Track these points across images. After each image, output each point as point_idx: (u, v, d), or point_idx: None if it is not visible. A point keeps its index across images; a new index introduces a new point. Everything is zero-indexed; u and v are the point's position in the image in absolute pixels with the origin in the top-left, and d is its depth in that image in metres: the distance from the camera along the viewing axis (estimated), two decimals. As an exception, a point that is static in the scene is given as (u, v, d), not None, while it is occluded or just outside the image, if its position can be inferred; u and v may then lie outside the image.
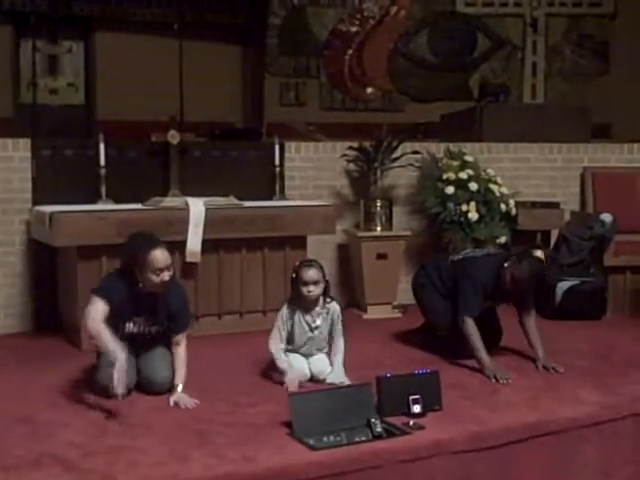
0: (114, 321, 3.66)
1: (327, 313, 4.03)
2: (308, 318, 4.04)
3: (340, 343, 4.03)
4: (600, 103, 8.89)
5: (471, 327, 4.17)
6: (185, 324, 3.88)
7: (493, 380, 4.02)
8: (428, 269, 4.68)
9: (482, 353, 4.15)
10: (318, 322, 4.04)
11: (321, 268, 4.01)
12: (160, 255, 3.66)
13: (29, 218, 5.12)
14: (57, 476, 2.88)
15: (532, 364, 4.29)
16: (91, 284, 4.42)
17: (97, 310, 3.58)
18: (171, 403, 3.64)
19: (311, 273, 3.97)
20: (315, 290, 3.97)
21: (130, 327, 3.80)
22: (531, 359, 4.34)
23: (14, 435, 3.28)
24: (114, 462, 2.99)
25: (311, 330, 4.05)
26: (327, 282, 4.04)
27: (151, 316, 3.81)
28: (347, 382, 3.86)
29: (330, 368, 3.99)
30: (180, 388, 3.70)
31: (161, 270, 3.65)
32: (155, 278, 3.66)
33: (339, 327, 4.03)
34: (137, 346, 3.81)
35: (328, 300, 4.03)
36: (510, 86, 9.59)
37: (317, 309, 4.03)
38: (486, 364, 4.12)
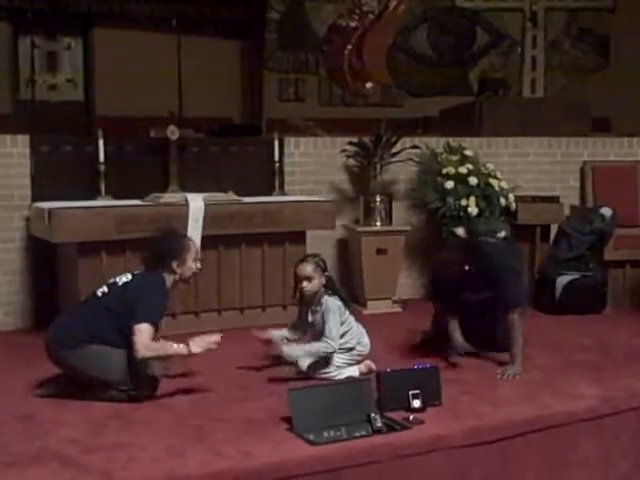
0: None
1: (321, 309, 4.00)
2: (310, 313, 4.04)
3: (323, 342, 3.90)
4: (600, 97, 8.87)
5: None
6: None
7: (510, 377, 3.97)
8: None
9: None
10: (311, 318, 4.04)
11: (318, 264, 4.01)
12: (195, 244, 3.98)
13: (28, 214, 5.11)
14: (56, 472, 2.88)
15: (530, 360, 4.26)
16: (91, 280, 4.45)
17: (149, 337, 3.58)
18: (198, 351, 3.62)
19: (301, 269, 3.99)
20: (307, 286, 3.97)
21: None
22: (529, 355, 4.30)
23: (13, 432, 3.29)
24: (113, 458, 2.99)
25: (311, 325, 4.05)
26: (328, 277, 4.02)
27: None
28: (290, 354, 3.87)
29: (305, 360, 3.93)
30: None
31: (199, 258, 3.89)
32: (195, 266, 3.87)
33: (328, 325, 3.92)
34: None
35: (325, 296, 4.00)
36: (509, 81, 9.58)
37: (315, 304, 4.02)
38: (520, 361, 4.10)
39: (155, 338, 3.66)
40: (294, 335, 4.18)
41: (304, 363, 3.90)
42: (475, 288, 4.24)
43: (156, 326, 3.66)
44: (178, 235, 4.04)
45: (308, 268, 3.99)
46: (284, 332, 4.19)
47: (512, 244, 4.39)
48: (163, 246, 3.84)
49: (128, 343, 3.59)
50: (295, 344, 4.06)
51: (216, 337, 3.67)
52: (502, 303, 4.18)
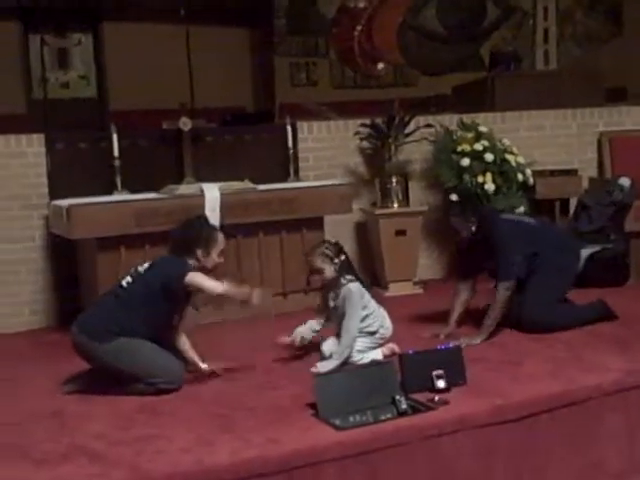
0: (171, 309, 3.75)
1: (341, 294, 3.97)
2: (330, 299, 4.04)
3: (346, 327, 3.89)
4: (614, 67, 8.76)
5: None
6: None
7: (463, 345, 3.98)
8: None
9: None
10: (332, 303, 4.03)
11: (324, 254, 3.96)
12: (223, 238, 3.90)
13: (47, 213, 5.14)
14: (86, 467, 2.91)
15: (554, 335, 4.26)
16: (111, 275, 4.49)
17: (204, 277, 3.66)
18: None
19: (309, 263, 4.01)
20: (319, 278, 3.98)
21: (176, 319, 3.83)
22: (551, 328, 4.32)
23: (43, 429, 3.33)
24: (141, 451, 3.02)
25: (333, 309, 4.04)
26: (342, 261, 3.98)
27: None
28: (327, 370, 3.77)
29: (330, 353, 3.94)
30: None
31: (223, 252, 3.85)
32: (218, 259, 3.84)
33: (348, 310, 3.90)
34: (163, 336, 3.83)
35: (343, 282, 3.96)
36: (521, 53, 9.49)
37: (334, 290, 4.01)
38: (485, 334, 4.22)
39: (183, 328, 3.76)
40: (321, 323, 4.11)
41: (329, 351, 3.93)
42: (485, 255, 4.32)
43: (182, 310, 3.69)
44: (208, 224, 4.03)
45: (315, 261, 3.96)
46: (311, 324, 4.10)
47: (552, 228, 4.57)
48: (191, 231, 3.84)
49: (156, 331, 3.63)
50: (326, 345, 4.03)
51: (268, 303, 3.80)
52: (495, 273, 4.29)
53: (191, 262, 3.78)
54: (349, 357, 3.90)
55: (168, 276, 3.67)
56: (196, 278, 3.67)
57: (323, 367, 3.79)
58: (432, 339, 4.28)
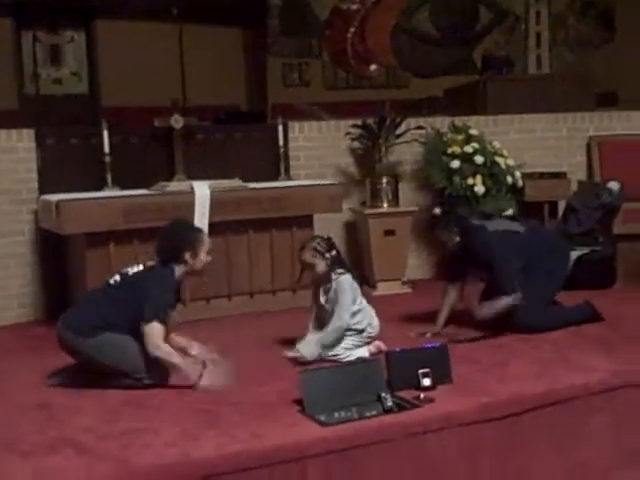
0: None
1: (333, 287, 4.00)
2: (321, 293, 4.06)
3: (338, 314, 3.93)
4: (606, 72, 8.82)
5: None
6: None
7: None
8: None
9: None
10: (322, 298, 4.05)
11: (315, 249, 3.98)
12: (207, 237, 3.95)
13: (37, 207, 5.14)
14: (72, 459, 2.91)
15: (540, 335, 4.30)
16: (99, 270, 4.49)
17: (159, 336, 3.60)
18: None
19: (301, 258, 4.02)
20: (311, 272, 3.99)
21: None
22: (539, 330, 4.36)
23: (29, 421, 3.33)
24: (128, 444, 3.03)
25: (323, 306, 4.06)
26: (333, 256, 4.00)
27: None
28: (309, 356, 3.85)
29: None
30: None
31: (210, 250, 3.87)
32: (206, 258, 3.85)
33: (340, 301, 3.94)
34: None
35: (334, 276, 3.99)
36: (514, 58, 9.54)
37: (326, 284, 4.03)
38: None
39: (169, 330, 3.71)
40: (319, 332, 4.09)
41: (314, 354, 3.94)
42: (474, 265, 4.38)
43: (164, 322, 3.67)
44: (191, 227, 4.06)
45: (306, 256, 3.99)
46: (310, 336, 4.07)
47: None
48: (177, 237, 3.85)
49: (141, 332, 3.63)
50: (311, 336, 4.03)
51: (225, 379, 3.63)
52: (498, 289, 4.30)
53: (181, 268, 3.79)
54: (333, 346, 3.91)
55: (141, 307, 3.62)
56: (149, 334, 3.58)
57: (303, 348, 3.84)
58: (418, 338, 4.31)
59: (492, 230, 4.52)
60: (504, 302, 4.26)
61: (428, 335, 4.36)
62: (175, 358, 3.61)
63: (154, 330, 3.59)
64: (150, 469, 2.84)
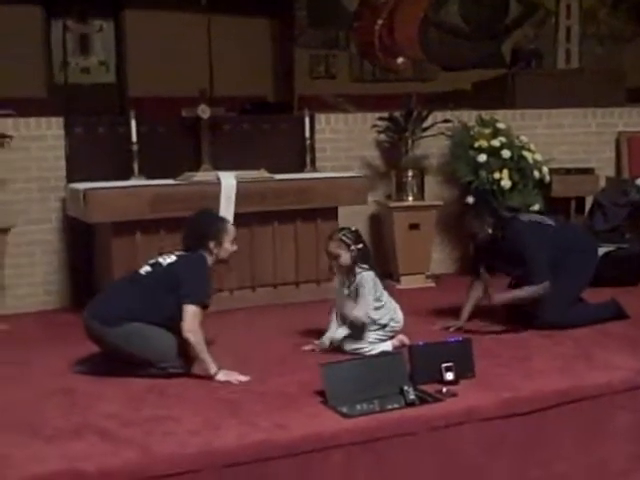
0: None
1: (355, 282, 4.00)
2: (344, 288, 4.06)
3: (358, 310, 3.94)
4: (637, 66, 8.71)
5: None
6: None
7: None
8: None
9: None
10: (346, 291, 4.05)
11: (342, 240, 3.99)
12: (232, 227, 3.98)
13: (64, 195, 5.19)
14: (96, 445, 2.94)
15: (564, 332, 4.27)
16: (126, 259, 4.53)
17: (198, 320, 3.62)
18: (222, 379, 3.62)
19: (327, 248, 4.03)
20: (335, 263, 3.99)
21: None
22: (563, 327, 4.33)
23: (54, 407, 3.37)
24: (150, 432, 3.05)
25: (346, 298, 4.06)
26: (358, 250, 4.00)
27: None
28: (338, 338, 3.92)
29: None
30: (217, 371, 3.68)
31: (235, 239, 3.90)
32: (232, 247, 3.89)
33: (362, 298, 3.95)
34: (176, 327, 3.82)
35: (358, 270, 4.00)
36: (544, 52, 9.44)
37: (349, 277, 4.03)
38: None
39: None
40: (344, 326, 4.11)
41: (341, 335, 3.94)
42: (503, 258, 4.31)
43: (206, 307, 3.70)
44: (216, 217, 4.09)
45: (332, 246, 3.99)
46: (336, 330, 4.07)
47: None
48: (201, 227, 3.88)
49: (169, 321, 3.65)
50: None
51: (244, 378, 3.63)
52: (528, 280, 4.28)
53: (209, 258, 3.82)
54: (362, 332, 3.96)
55: (175, 293, 3.66)
56: (190, 313, 3.61)
57: (336, 335, 3.93)
58: (442, 331, 4.30)
59: (526, 220, 4.51)
60: (525, 291, 4.23)
61: (452, 329, 4.35)
62: (203, 348, 3.62)
63: (196, 312, 3.62)
64: (172, 457, 2.86)
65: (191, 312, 3.61)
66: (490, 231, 4.33)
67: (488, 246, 4.40)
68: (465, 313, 4.48)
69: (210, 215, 4.07)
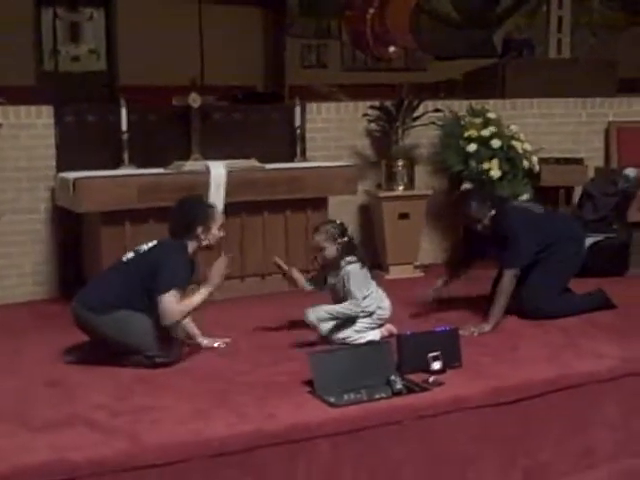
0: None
1: (340, 274, 4.01)
2: (330, 279, 4.08)
3: (347, 305, 3.95)
4: (629, 57, 8.71)
5: None
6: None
7: (475, 334, 4.10)
8: None
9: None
10: (332, 281, 4.06)
11: (328, 232, 4.00)
12: (220, 212, 4.01)
13: (54, 185, 5.18)
14: (85, 435, 2.95)
15: (552, 321, 4.29)
16: (115, 249, 4.52)
17: (175, 302, 3.63)
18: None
19: (313, 240, 4.05)
20: (320, 255, 4.01)
21: None
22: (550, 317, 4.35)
23: (43, 397, 3.38)
24: (139, 421, 3.07)
25: (331, 287, 4.07)
26: (345, 242, 4.01)
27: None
28: (310, 318, 3.89)
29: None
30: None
31: (222, 225, 3.90)
32: (219, 233, 3.89)
33: (350, 289, 3.95)
34: None
35: (343, 264, 4.00)
36: (536, 42, 9.43)
37: (334, 270, 4.04)
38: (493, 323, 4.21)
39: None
40: (309, 287, 4.22)
41: (325, 327, 3.94)
42: (494, 243, 4.37)
43: (183, 290, 3.70)
44: (203, 203, 4.08)
45: (318, 238, 4.01)
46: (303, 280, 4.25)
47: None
48: (189, 213, 3.88)
49: (154, 308, 3.66)
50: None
51: (222, 258, 3.72)
52: (500, 261, 4.32)
53: (194, 244, 3.82)
54: (337, 327, 3.95)
55: (154, 279, 3.66)
56: (166, 303, 3.61)
57: (315, 311, 3.89)
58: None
59: (516, 206, 4.63)
60: (501, 299, 4.24)
61: (439, 284, 4.52)
62: (194, 300, 3.66)
63: (171, 299, 3.61)
64: (162, 447, 2.88)
65: (165, 303, 3.60)
66: (492, 213, 4.34)
67: (478, 231, 4.42)
68: (444, 279, 4.59)
69: (197, 201, 4.07)
